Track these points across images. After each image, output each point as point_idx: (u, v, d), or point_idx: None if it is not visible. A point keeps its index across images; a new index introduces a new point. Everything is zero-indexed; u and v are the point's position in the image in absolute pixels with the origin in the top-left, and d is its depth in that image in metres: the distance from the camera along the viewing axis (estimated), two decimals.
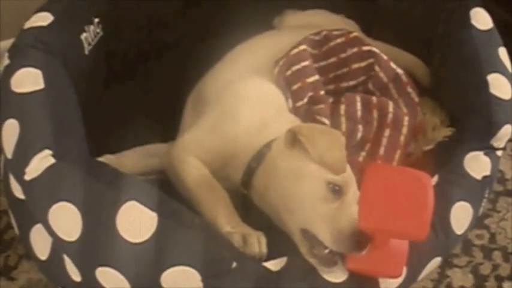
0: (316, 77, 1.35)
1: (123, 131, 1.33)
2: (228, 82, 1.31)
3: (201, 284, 1.01)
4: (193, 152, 1.21)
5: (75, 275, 1.07)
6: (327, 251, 1.06)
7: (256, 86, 1.31)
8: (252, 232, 1.10)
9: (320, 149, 1.10)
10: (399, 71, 1.40)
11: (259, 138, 1.20)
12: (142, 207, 1.01)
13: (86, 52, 1.34)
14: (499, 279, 1.37)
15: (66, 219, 1.02)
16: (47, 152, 1.07)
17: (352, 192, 1.11)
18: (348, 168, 1.14)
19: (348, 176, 1.13)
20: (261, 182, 1.17)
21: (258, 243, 1.08)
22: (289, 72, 1.33)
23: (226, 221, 1.11)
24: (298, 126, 1.17)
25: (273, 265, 1.08)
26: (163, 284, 1.01)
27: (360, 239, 1.03)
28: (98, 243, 1.01)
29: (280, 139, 1.17)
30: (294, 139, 1.13)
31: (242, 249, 1.07)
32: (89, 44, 1.35)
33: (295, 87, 1.32)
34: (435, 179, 1.23)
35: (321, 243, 1.07)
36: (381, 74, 1.40)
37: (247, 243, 1.07)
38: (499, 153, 1.34)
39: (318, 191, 1.09)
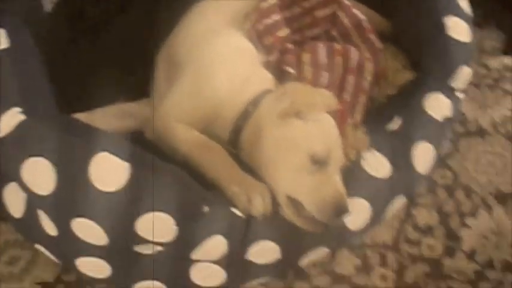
0: (286, 30, 1.36)
1: (91, 88, 1.32)
2: (199, 39, 1.30)
3: (175, 228, 1.05)
4: (177, 118, 1.19)
5: (51, 229, 1.08)
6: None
7: (229, 40, 1.30)
8: (257, 187, 1.11)
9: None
10: (361, 17, 1.41)
11: (242, 95, 1.20)
12: (114, 157, 1.03)
13: (48, 10, 1.34)
14: (462, 215, 1.41)
15: (39, 174, 1.03)
16: (16, 110, 1.07)
17: (336, 160, 1.12)
18: (335, 133, 1.15)
19: (334, 143, 1.14)
20: (248, 141, 1.18)
21: (263, 203, 1.10)
22: (261, 26, 1.33)
23: (230, 179, 1.11)
24: (294, 97, 1.14)
25: None
26: (138, 230, 1.04)
27: (341, 208, 1.07)
28: (72, 195, 1.02)
29: (268, 102, 1.17)
30: (289, 111, 1.13)
31: (247, 210, 1.09)
32: (51, 2, 1.35)
33: (267, 41, 1.33)
34: (397, 121, 1.27)
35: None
36: (345, 20, 1.42)
37: (252, 204, 1.09)
38: (460, 95, 1.37)
39: (302, 163, 1.10)
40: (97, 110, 1.32)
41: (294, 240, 1.15)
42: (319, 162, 1.10)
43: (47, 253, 1.16)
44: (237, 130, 1.19)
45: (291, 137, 1.12)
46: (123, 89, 1.37)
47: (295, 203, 1.10)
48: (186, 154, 1.15)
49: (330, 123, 1.16)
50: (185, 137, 1.17)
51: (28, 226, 1.13)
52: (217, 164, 1.13)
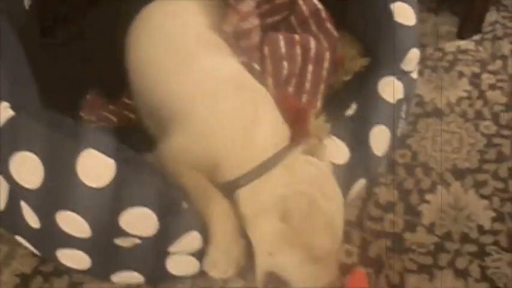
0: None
1: (69, 82, 1.35)
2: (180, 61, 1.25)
3: (157, 224, 1.10)
4: (183, 161, 1.16)
5: (34, 222, 1.12)
6: None
7: (224, 68, 1.26)
8: (230, 255, 1.12)
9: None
10: (319, 6, 1.46)
11: (247, 144, 1.16)
12: (100, 154, 1.07)
13: (27, 7, 1.38)
14: (421, 192, 1.48)
15: (27, 168, 1.06)
16: (5, 105, 1.09)
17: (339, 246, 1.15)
18: (341, 217, 1.16)
19: (339, 231, 1.15)
20: (244, 200, 1.15)
21: (224, 272, 1.13)
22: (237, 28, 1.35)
23: (217, 236, 1.12)
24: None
25: None
26: (121, 224, 1.09)
27: None
28: (59, 190, 1.07)
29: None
30: None
31: (207, 269, 1.14)
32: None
33: (244, 44, 1.36)
34: (354, 106, 1.34)
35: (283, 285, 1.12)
36: (304, 8, 1.46)
37: (214, 268, 1.13)
38: (414, 76, 1.44)
39: (305, 257, 1.10)
40: None
41: None
42: (321, 257, 1.11)
43: (27, 245, 1.21)
44: (233, 186, 1.16)
45: (296, 232, 1.10)
46: (100, 81, 1.40)
47: (273, 281, 1.13)
48: (188, 192, 1.15)
49: (338, 209, 1.16)
50: (192, 184, 1.15)
51: (9, 218, 1.17)
52: (214, 216, 1.14)
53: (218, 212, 1.14)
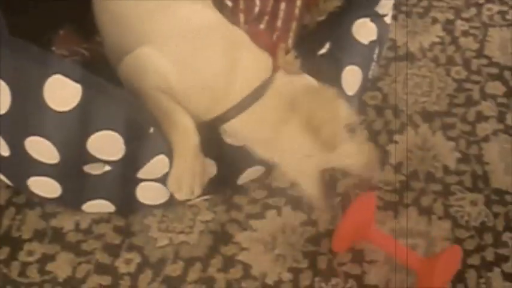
0: None
1: (41, 19, 1.36)
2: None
3: (123, 147, 1.12)
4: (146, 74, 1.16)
5: (4, 150, 1.14)
6: None
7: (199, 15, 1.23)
8: (195, 176, 1.14)
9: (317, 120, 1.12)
10: None
11: (232, 82, 1.16)
12: (67, 79, 1.08)
13: None
14: (390, 132, 1.50)
15: None
16: None
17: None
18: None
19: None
20: (241, 129, 1.17)
21: (190, 192, 1.15)
22: None
23: (180, 155, 1.14)
24: (296, 95, 1.14)
25: None
26: (89, 148, 1.11)
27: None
28: (27, 115, 1.09)
29: (270, 99, 1.16)
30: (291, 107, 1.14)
31: (171, 191, 1.16)
32: None
33: None
34: (327, 46, 1.35)
35: None
36: None
37: (179, 190, 1.15)
38: (388, 20, 1.46)
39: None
40: None
41: (230, 159, 1.25)
42: (353, 129, 1.16)
43: None
44: (225, 118, 1.18)
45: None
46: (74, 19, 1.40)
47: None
48: (150, 97, 1.15)
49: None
50: (154, 100, 1.15)
51: None
52: (178, 134, 1.15)
53: (181, 129, 1.14)
